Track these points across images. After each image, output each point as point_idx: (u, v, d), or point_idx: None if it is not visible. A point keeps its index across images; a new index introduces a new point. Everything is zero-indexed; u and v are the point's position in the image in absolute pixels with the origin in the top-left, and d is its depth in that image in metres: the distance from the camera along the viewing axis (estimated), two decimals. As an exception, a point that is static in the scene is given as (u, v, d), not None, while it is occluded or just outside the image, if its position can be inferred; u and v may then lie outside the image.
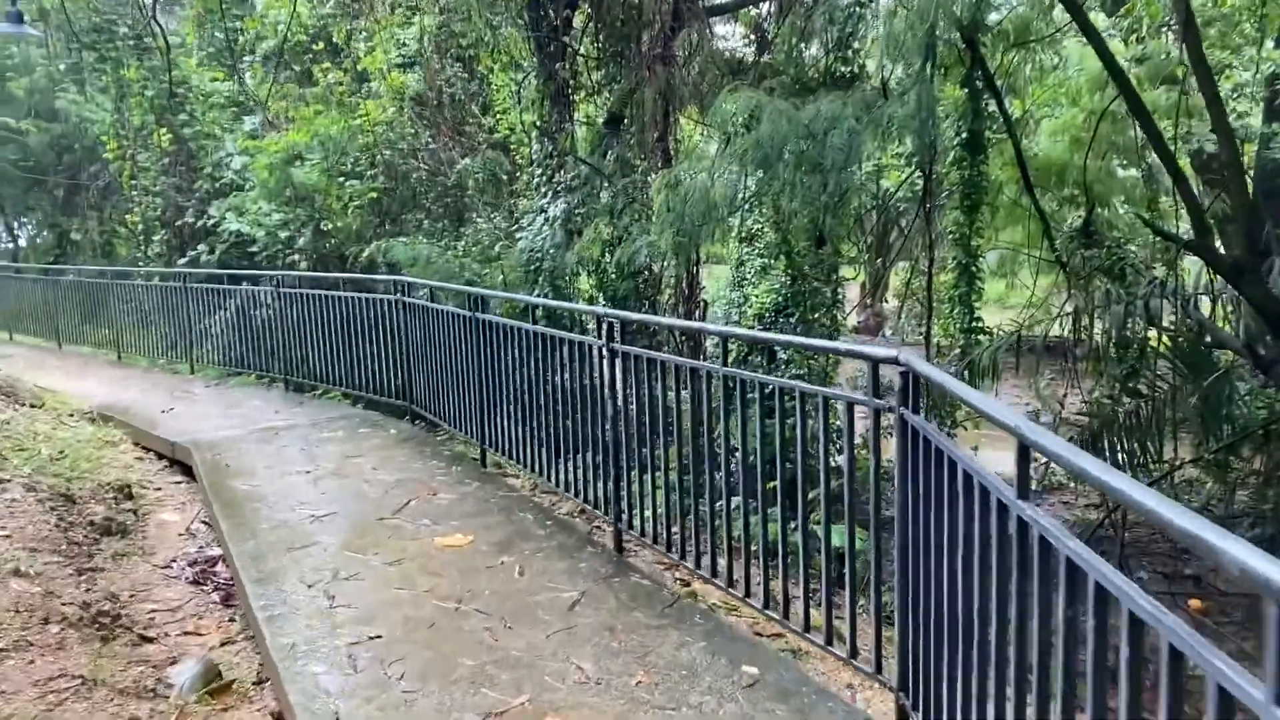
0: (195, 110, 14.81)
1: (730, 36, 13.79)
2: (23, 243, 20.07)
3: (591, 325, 6.04)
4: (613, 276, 10.83)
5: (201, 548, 5.36)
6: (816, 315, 12.66)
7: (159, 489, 6.33)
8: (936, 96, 6.20)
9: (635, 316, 5.11)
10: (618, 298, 10.64)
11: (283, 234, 13.92)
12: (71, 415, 7.62)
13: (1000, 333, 9.06)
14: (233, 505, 5.43)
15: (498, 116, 14.67)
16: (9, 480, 4.95)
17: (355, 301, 8.05)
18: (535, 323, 5.56)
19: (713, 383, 4.13)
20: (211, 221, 14.34)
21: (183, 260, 14.66)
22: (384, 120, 14.00)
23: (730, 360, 4.14)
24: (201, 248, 14.60)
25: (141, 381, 10.47)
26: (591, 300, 11.21)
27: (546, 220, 11.33)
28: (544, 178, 12.18)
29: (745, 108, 5.33)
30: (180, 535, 5.53)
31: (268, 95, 13.99)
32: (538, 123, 12.40)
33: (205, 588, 4.80)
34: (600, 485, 4.96)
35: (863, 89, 6.61)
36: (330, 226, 13.71)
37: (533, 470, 5.76)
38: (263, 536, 4.87)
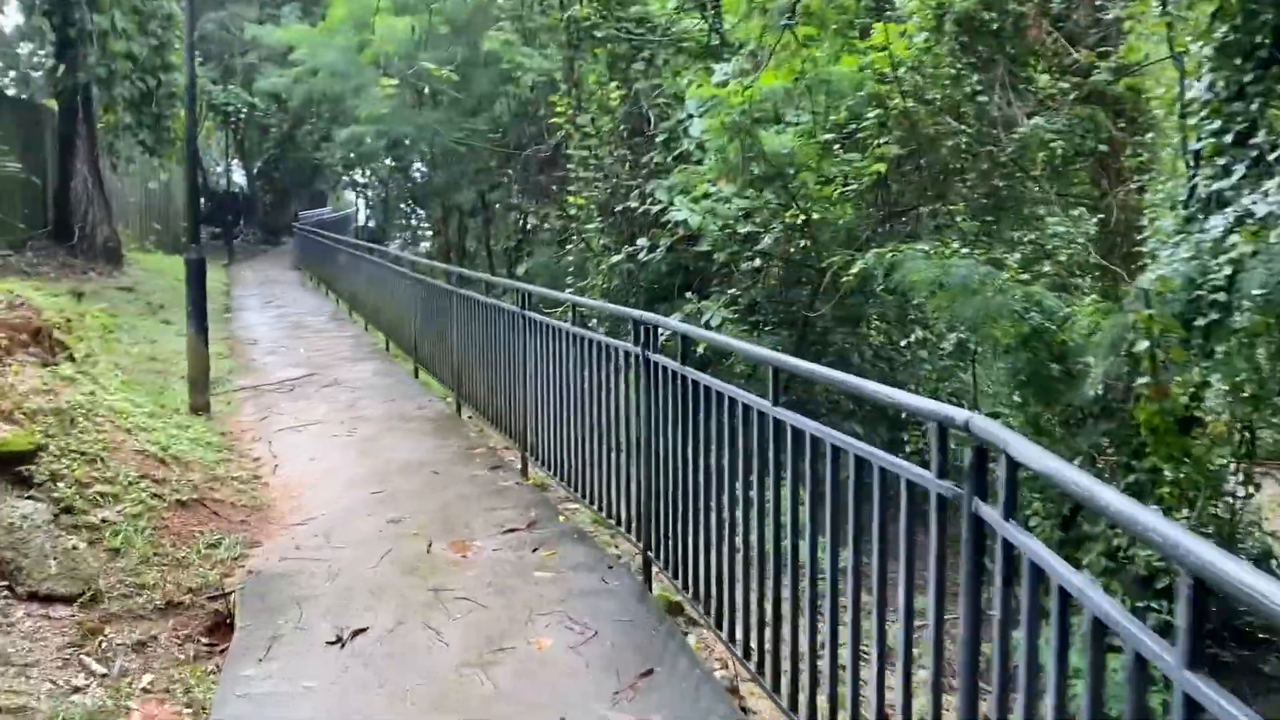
0: (657, 57, 11.08)
1: None
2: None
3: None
4: None
5: None
6: None
7: None
8: None
9: None
10: None
11: (742, 228, 9.57)
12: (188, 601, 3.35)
13: None
14: None
15: (1108, 46, 8.72)
16: None
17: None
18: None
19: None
20: (658, 207, 10.52)
21: (617, 257, 11.07)
22: (911, 55, 8.92)
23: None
24: (641, 242, 10.89)
25: (429, 474, 6.20)
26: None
27: (1233, 219, 5.33)
28: (1219, 132, 6.11)
29: None
30: None
31: (742, 22, 9.71)
32: (1216, 34, 6.32)
33: None
34: None
35: None
36: (809, 219, 9.04)
37: None
38: None
